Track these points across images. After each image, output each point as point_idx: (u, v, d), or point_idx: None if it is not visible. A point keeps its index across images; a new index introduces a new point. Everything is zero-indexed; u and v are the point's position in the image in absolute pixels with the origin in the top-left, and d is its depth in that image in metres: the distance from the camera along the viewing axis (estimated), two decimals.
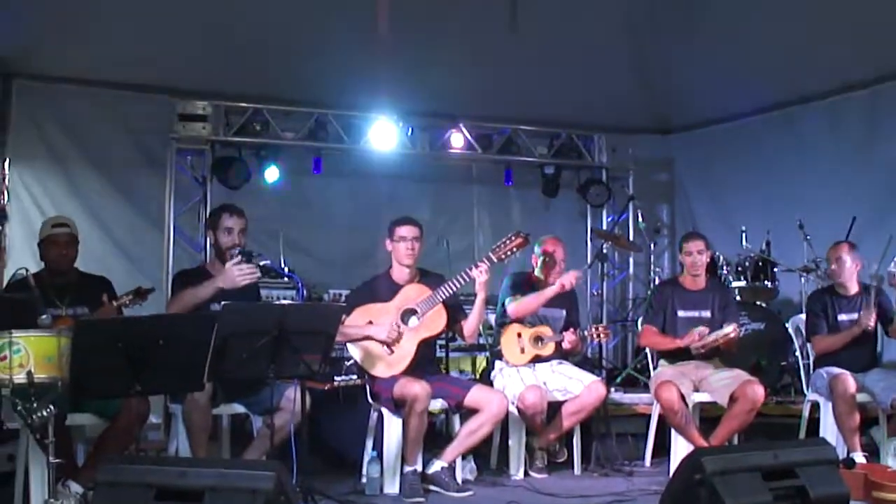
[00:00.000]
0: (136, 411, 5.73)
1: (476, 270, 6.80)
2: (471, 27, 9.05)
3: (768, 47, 9.12)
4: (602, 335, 7.66)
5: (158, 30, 8.68)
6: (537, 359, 7.57)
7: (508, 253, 6.96)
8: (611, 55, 9.86)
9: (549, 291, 7.42)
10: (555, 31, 9.13)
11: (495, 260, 6.90)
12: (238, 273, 6.18)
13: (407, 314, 6.88)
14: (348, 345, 6.90)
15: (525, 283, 7.77)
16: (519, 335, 7.60)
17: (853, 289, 7.68)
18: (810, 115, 10.33)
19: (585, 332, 7.62)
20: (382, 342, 6.76)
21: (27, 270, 5.58)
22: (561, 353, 7.73)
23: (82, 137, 9.59)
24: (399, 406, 6.61)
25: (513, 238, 6.95)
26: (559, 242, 7.88)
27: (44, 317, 5.15)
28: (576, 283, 7.64)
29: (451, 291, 6.85)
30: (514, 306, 7.50)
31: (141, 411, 5.79)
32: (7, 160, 9.18)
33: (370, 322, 6.84)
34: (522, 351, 7.56)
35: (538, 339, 7.57)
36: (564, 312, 7.81)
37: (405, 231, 6.96)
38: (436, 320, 6.90)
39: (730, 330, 7.26)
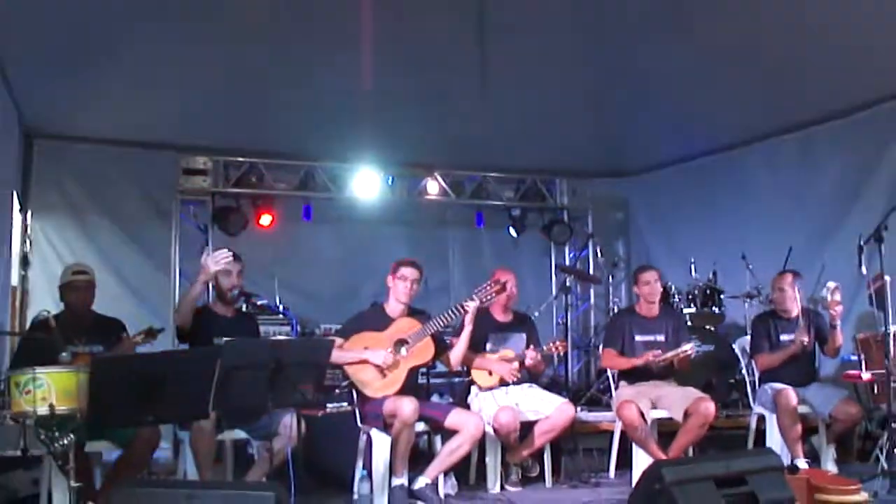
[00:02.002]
0: (148, 439, 5.72)
1: (464, 307, 6.95)
2: (444, 85, 9.10)
3: (710, 95, 9.19)
4: (559, 348, 7.66)
5: (163, 92, 8.71)
6: (504, 381, 7.54)
7: (489, 297, 7.10)
8: (569, 108, 9.91)
9: (466, 334, 7.22)
10: (520, 88, 9.20)
11: (478, 302, 7.00)
12: (213, 262, 6.17)
13: (399, 344, 6.88)
14: (345, 368, 6.89)
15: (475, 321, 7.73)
16: None
17: (794, 312, 7.71)
18: (750, 156, 10.41)
19: (545, 348, 7.61)
20: (377, 366, 6.77)
21: (48, 312, 5.58)
22: (528, 374, 7.71)
23: (96, 191, 9.65)
24: (388, 425, 6.60)
25: (493, 285, 7.10)
26: (510, 273, 7.85)
27: (64, 354, 5.12)
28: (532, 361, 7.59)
29: (439, 326, 6.92)
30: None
31: (152, 439, 5.78)
32: (30, 212, 9.22)
33: (366, 348, 6.85)
34: (490, 374, 7.54)
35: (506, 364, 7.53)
36: (524, 336, 7.78)
37: (408, 272, 7.02)
38: (425, 350, 6.94)
39: (688, 348, 7.31)
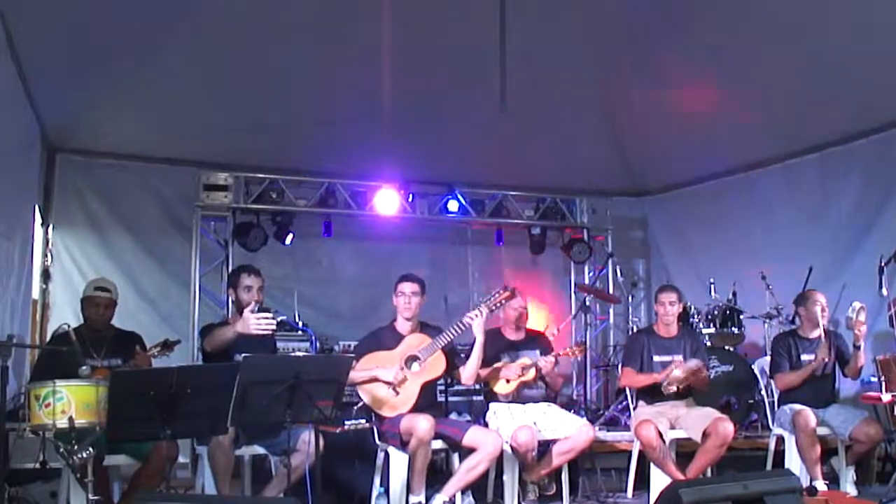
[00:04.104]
0: (166, 453, 5.69)
1: (470, 317, 6.88)
2: (465, 105, 9.12)
3: (728, 117, 9.22)
4: (576, 352, 7.66)
5: (184, 109, 8.78)
6: (524, 386, 7.49)
7: (498, 304, 7.05)
8: (589, 127, 9.95)
9: (478, 346, 7.12)
10: (540, 107, 9.21)
11: (486, 311, 6.94)
12: (254, 323, 6.15)
13: (410, 360, 6.87)
14: (358, 388, 6.88)
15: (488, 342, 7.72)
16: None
17: (817, 331, 7.64)
18: (768, 178, 10.41)
19: (561, 352, 7.55)
20: (389, 383, 6.76)
21: (69, 325, 5.61)
22: (545, 386, 7.65)
23: (117, 205, 9.72)
24: (405, 442, 6.59)
25: (501, 292, 7.07)
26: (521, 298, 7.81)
27: (84, 368, 5.15)
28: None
29: (448, 339, 6.88)
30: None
31: (170, 453, 5.75)
32: (51, 226, 9.27)
33: (377, 367, 6.84)
34: (508, 381, 7.48)
35: (521, 369, 7.48)
36: (538, 353, 7.67)
37: (403, 287, 7.02)
38: (436, 365, 6.90)
39: (692, 364, 7.28)
